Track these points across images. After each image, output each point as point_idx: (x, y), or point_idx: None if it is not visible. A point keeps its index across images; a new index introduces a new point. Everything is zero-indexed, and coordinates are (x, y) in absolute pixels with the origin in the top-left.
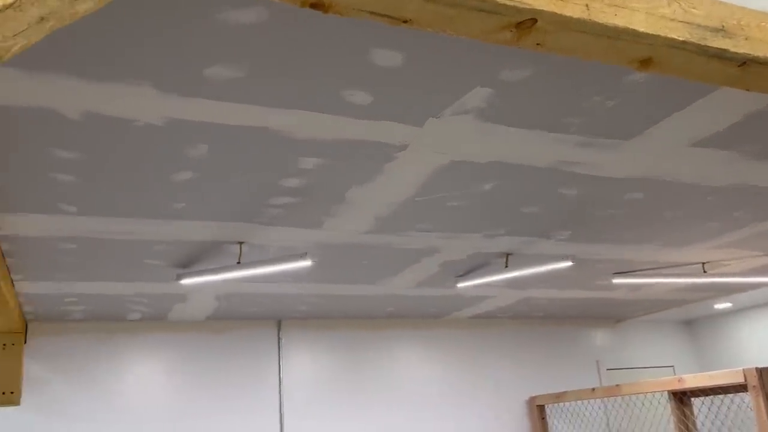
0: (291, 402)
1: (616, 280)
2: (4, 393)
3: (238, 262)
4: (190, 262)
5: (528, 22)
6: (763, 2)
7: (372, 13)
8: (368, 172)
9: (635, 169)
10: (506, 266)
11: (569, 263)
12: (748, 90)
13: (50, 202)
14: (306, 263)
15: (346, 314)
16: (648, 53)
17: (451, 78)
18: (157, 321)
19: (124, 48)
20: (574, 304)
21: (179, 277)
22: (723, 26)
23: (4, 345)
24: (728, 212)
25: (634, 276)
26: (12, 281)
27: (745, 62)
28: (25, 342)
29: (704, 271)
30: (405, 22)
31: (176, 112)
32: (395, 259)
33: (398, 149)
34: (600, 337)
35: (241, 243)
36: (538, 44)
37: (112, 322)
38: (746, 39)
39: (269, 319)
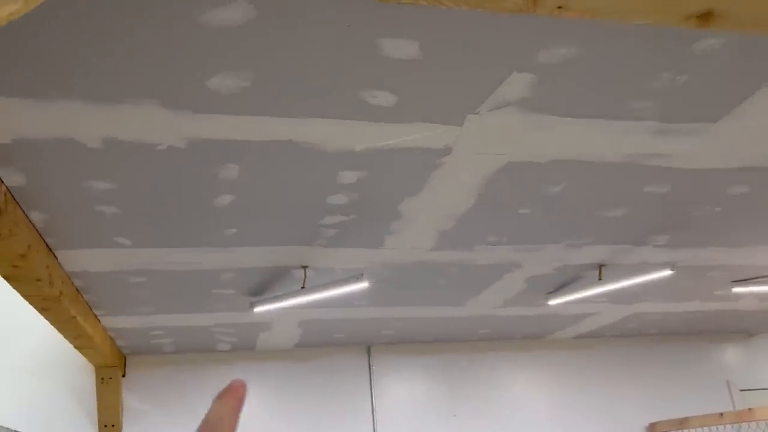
0: (386, 430)
1: (737, 289)
2: (105, 426)
3: (303, 287)
4: (261, 290)
5: None
6: None
7: None
8: (416, 181)
9: (732, 156)
10: (600, 279)
11: (669, 271)
12: None
13: (103, 236)
14: (363, 284)
15: (438, 337)
16: (706, 4)
17: (478, 65)
18: (246, 351)
19: (122, 66)
20: (694, 318)
21: (252, 305)
22: None
23: (102, 379)
24: None
25: (758, 283)
26: (96, 317)
27: None
28: (124, 375)
29: None
30: None
31: (194, 132)
32: (474, 277)
33: (442, 153)
34: (730, 354)
35: (305, 267)
36: (559, 7)
37: (203, 353)
38: None
39: (358, 345)
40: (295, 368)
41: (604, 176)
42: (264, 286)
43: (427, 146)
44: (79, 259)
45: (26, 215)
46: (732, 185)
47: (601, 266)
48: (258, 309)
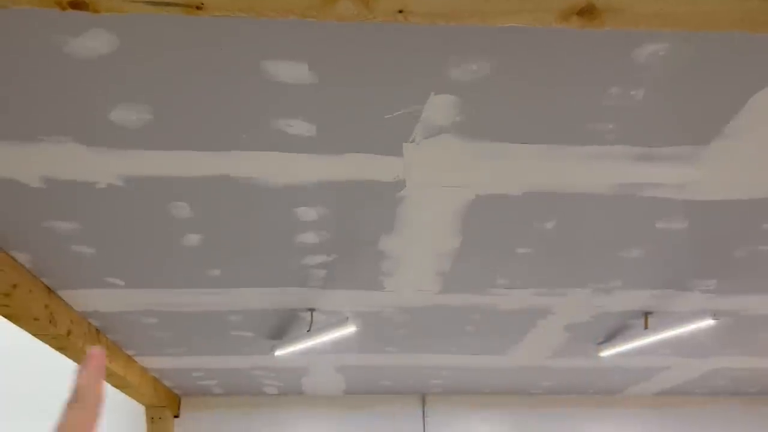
0: None
1: None
2: None
3: (308, 330)
4: (279, 334)
5: None
6: None
7: (150, 2)
8: (384, 217)
9: (750, 184)
10: (646, 328)
11: (711, 321)
12: None
13: (94, 276)
14: (351, 329)
15: (496, 389)
16: None
17: (388, 88)
18: (294, 395)
19: (22, 103)
20: None
21: (273, 348)
22: None
23: (152, 418)
24: None
25: None
26: (131, 357)
27: None
28: (177, 416)
29: None
30: (198, 8)
31: (123, 169)
32: (504, 324)
33: (397, 187)
34: None
35: (311, 310)
36: (400, 11)
37: (252, 396)
38: None
39: (412, 394)
40: (344, 416)
41: (597, 210)
42: (281, 329)
43: (376, 178)
44: (86, 299)
45: (9, 255)
46: (764, 219)
47: (647, 314)
48: (278, 352)
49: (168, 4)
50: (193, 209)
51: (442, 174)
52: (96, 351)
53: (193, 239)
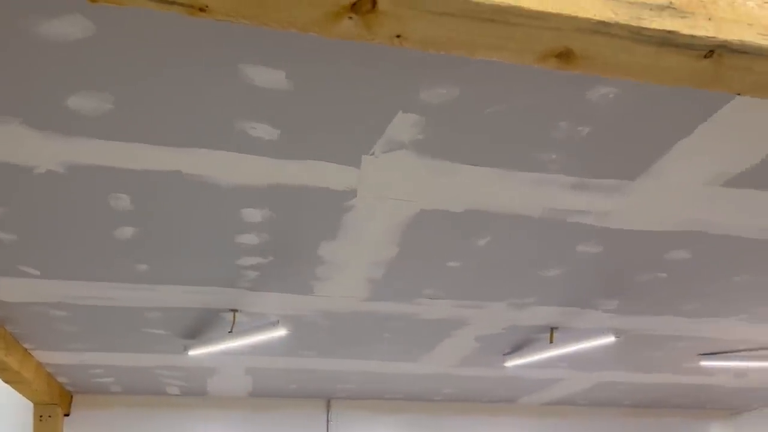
0: None
1: (705, 363)
2: None
3: (230, 331)
4: (194, 333)
5: (365, 3)
6: None
7: (159, 1)
8: (329, 224)
9: (661, 218)
10: (551, 342)
11: (613, 338)
12: (737, 93)
13: (7, 264)
14: (281, 332)
15: (400, 395)
16: (564, 42)
17: (359, 101)
18: (197, 396)
19: None
20: (669, 391)
21: (186, 348)
22: (671, 2)
23: (41, 417)
24: None
25: (725, 358)
26: (27, 351)
27: (713, 51)
28: (68, 414)
29: None
30: (201, 10)
31: (69, 156)
32: (421, 332)
33: (348, 196)
34: None
35: (234, 311)
36: (398, 36)
37: (152, 396)
38: (710, 19)
39: (317, 398)
40: (248, 418)
41: (528, 231)
42: (197, 329)
43: (329, 186)
44: None
45: None
46: (669, 249)
47: (552, 329)
48: (192, 352)
49: (172, 3)
50: (134, 202)
51: (392, 187)
52: None
53: (126, 232)
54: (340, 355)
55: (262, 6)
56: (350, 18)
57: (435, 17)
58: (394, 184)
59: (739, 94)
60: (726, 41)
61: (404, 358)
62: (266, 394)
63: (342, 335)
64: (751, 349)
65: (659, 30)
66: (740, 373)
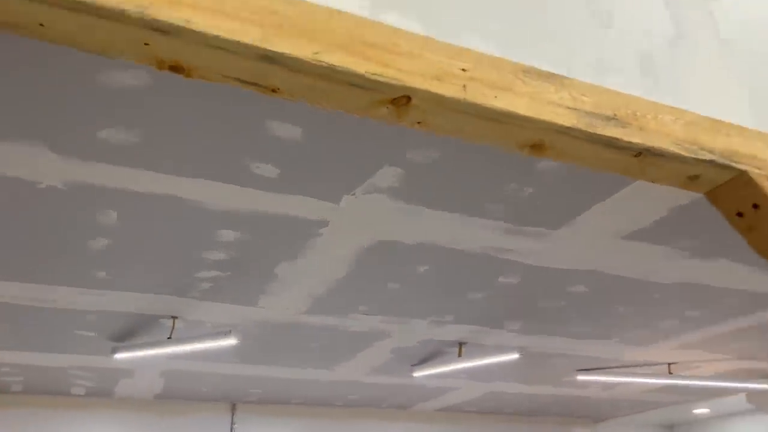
0: None
1: (581, 377)
2: None
3: (169, 338)
4: (126, 336)
5: (402, 99)
6: (662, 95)
7: (238, 80)
8: (295, 248)
9: (571, 260)
10: (459, 356)
11: (516, 356)
12: (652, 182)
13: None
14: (231, 341)
15: (306, 400)
16: (538, 138)
17: (356, 155)
18: (103, 397)
19: (16, 108)
20: (546, 401)
21: (114, 350)
22: (615, 115)
23: None
24: (681, 311)
25: (599, 374)
26: None
27: (641, 153)
28: None
29: (670, 372)
30: (274, 91)
31: (78, 176)
32: (345, 343)
33: (320, 225)
34: None
35: (174, 317)
36: (419, 122)
37: (55, 396)
38: (641, 129)
39: (222, 402)
40: (153, 422)
41: (463, 263)
42: (129, 332)
43: (305, 217)
44: None
45: None
46: (571, 284)
47: (461, 344)
48: (119, 355)
49: (252, 84)
50: (120, 217)
51: (361, 222)
52: None
53: (100, 243)
54: (257, 361)
55: (326, 94)
56: (387, 108)
57: (452, 113)
58: (364, 219)
59: (652, 182)
60: (650, 147)
61: (320, 366)
62: (174, 396)
63: (271, 344)
64: (620, 366)
65: (606, 135)
66: (608, 387)
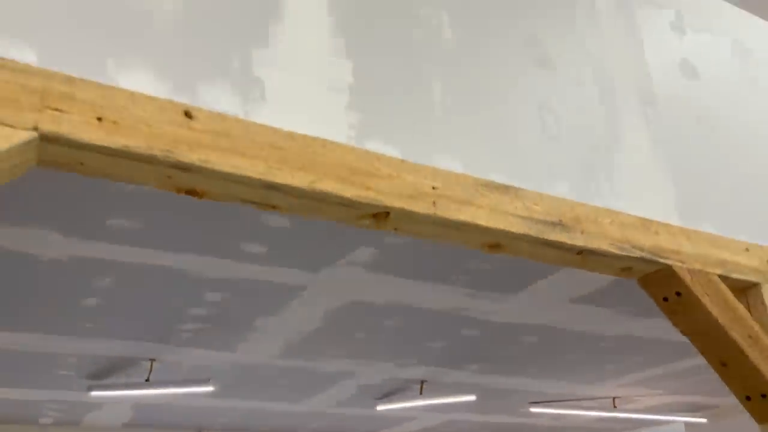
0: None
1: (533, 409)
2: None
3: (147, 380)
4: (103, 374)
5: (382, 215)
6: (601, 199)
7: (243, 200)
8: (274, 306)
9: (526, 317)
10: (421, 393)
11: (473, 397)
12: (591, 271)
13: None
14: (209, 389)
15: (272, 429)
16: (495, 240)
17: (337, 239)
18: (70, 427)
19: (32, 197)
20: (501, 429)
21: (90, 388)
22: (561, 221)
23: None
24: (621, 357)
25: (550, 406)
26: None
27: (582, 251)
28: None
29: (614, 406)
30: (273, 207)
31: (78, 251)
32: (314, 381)
33: (300, 289)
34: None
35: (152, 360)
36: (395, 229)
37: (22, 426)
38: (582, 232)
39: (189, 429)
40: None
41: (429, 319)
42: (107, 371)
43: (286, 282)
44: None
45: None
46: (525, 335)
47: (423, 381)
48: (96, 393)
49: (253, 203)
50: (115, 282)
51: (337, 288)
52: None
53: (91, 302)
54: (232, 395)
55: (319, 211)
56: (369, 220)
57: (423, 225)
58: (339, 285)
59: (592, 272)
60: (590, 248)
61: (287, 399)
62: (142, 425)
63: (243, 382)
64: (569, 399)
65: (553, 240)
66: (557, 417)
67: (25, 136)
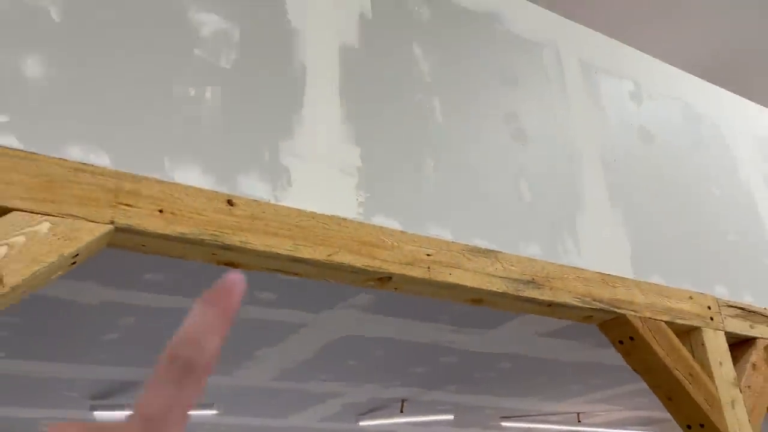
0: None
1: (504, 423)
2: None
3: None
4: (106, 395)
5: (385, 279)
6: (567, 258)
7: (271, 269)
8: (274, 339)
9: (500, 348)
10: (401, 411)
11: (450, 417)
12: (558, 319)
13: None
14: (213, 412)
15: None
16: (479, 297)
17: (341, 288)
18: None
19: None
20: None
21: (93, 408)
22: (533, 279)
23: None
24: (585, 379)
25: (520, 420)
26: None
27: (551, 304)
28: None
29: (579, 420)
30: (296, 274)
31: (112, 298)
32: (303, 400)
33: (299, 327)
34: None
35: None
36: (396, 289)
37: None
38: (551, 288)
39: None
40: None
41: (414, 349)
42: (110, 392)
43: (288, 321)
44: None
45: None
46: (499, 362)
47: (403, 400)
48: (99, 413)
49: (280, 271)
50: (138, 321)
51: (334, 325)
52: (231, 280)
53: (111, 336)
54: (228, 413)
55: (333, 276)
56: (374, 282)
57: (420, 286)
58: (336, 324)
59: (559, 319)
60: (558, 302)
61: (275, 415)
62: None
63: (235, 402)
64: (537, 414)
65: (526, 296)
66: (526, 430)
67: (104, 229)
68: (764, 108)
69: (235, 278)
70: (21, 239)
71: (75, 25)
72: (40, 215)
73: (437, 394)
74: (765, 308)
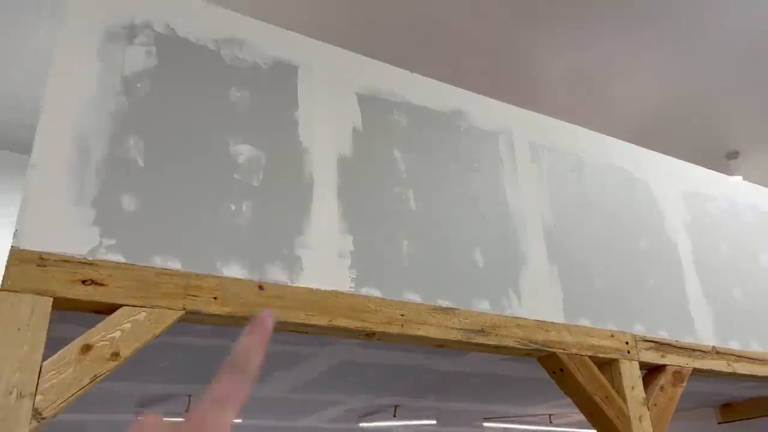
0: None
1: (486, 424)
2: None
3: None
4: (142, 405)
5: (370, 335)
6: (511, 309)
7: (288, 331)
8: (289, 365)
9: (470, 369)
10: (395, 415)
11: (434, 421)
12: (504, 356)
13: None
14: (237, 421)
15: None
16: (441, 344)
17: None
18: None
19: None
20: None
21: (138, 415)
22: (483, 329)
23: None
24: (547, 390)
25: (500, 421)
26: None
27: (497, 347)
28: None
29: (550, 421)
30: (306, 333)
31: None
32: (311, 406)
33: (310, 356)
34: None
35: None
36: (378, 340)
37: None
38: (497, 335)
39: None
40: None
41: (399, 371)
42: (145, 403)
43: (302, 353)
44: None
45: None
46: (471, 378)
47: (395, 406)
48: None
49: (293, 332)
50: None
51: (337, 355)
52: (264, 315)
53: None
54: (248, 417)
55: (333, 335)
56: (361, 338)
57: (396, 338)
58: (338, 354)
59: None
60: (502, 345)
61: (290, 418)
62: None
63: (257, 408)
64: (515, 416)
65: (477, 342)
66: (506, 430)
67: (179, 314)
68: (690, 164)
69: (267, 316)
70: (128, 326)
71: (153, 168)
72: (138, 307)
73: (422, 401)
74: (676, 340)
